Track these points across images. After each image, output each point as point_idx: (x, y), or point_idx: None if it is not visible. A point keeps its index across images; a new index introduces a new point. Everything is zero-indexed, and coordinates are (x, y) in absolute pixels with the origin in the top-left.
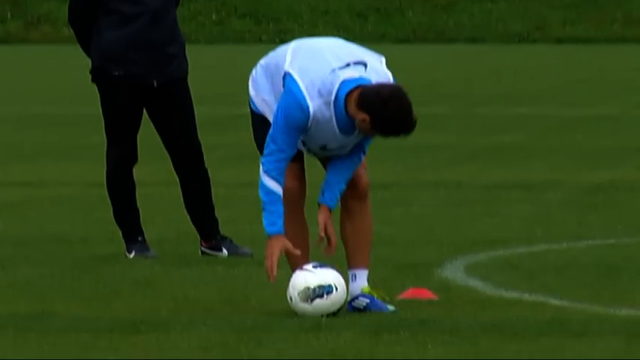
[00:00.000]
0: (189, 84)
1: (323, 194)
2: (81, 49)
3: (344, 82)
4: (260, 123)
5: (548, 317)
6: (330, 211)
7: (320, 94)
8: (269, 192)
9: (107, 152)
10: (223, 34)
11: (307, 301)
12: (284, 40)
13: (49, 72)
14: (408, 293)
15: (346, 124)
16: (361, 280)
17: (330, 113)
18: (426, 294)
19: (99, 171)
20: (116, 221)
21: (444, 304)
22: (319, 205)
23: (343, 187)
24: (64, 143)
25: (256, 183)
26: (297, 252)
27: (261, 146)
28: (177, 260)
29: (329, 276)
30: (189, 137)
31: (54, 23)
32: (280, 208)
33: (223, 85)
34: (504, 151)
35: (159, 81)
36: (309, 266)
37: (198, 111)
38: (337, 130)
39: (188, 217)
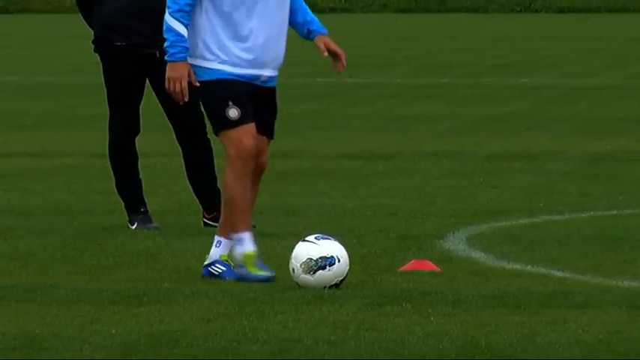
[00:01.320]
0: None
1: (310, 29)
2: (82, 19)
3: None
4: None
5: (551, 289)
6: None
7: None
8: (177, 34)
9: (109, 122)
10: None
11: (310, 272)
12: None
13: (51, 41)
14: (410, 265)
15: None
16: (224, 249)
17: None
18: (428, 266)
19: (101, 141)
20: (118, 192)
21: (446, 276)
22: (313, 37)
23: (309, 11)
24: (66, 113)
25: None
26: (195, 82)
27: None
28: (180, 231)
29: (331, 247)
30: (191, 108)
31: None
32: (187, 44)
33: None
34: (506, 121)
35: (161, 51)
36: (311, 237)
37: None
38: None
39: (190, 188)
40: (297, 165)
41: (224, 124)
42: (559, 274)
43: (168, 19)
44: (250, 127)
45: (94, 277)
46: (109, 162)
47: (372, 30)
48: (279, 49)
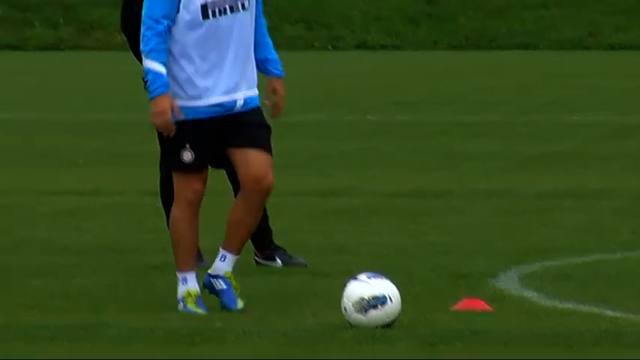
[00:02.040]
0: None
1: (267, 67)
2: (133, 57)
3: None
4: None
5: (603, 328)
6: (282, 80)
7: None
8: (155, 72)
9: (160, 160)
10: (275, 41)
11: (361, 312)
12: (336, 47)
13: (102, 78)
14: (463, 304)
15: None
16: (228, 265)
17: None
18: (481, 305)
19: (152, 179)
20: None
21: (498, 315)
22: (268, 76)
23: (272, 46)
24: (117, 150)
25: (310, 192)
26: (180, 114)
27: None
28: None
29: (383, 287)
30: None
31: (106, 29)
32: (166, 79)
33: None
34: (557, 159)
35: None
36: (363, 276)
37: None
38: None
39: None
40: (348, 203)
41: (176, 165)
42: (611, 313)
43: (144, 61)
44: (200, 175)
45: (146, 317)
46: (159, 200)
47: (422, 67)
48: (250, 68)
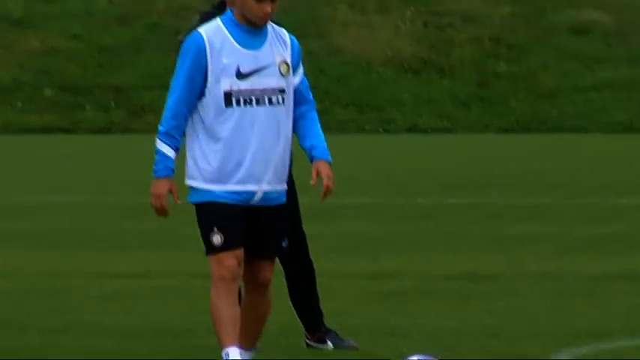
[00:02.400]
0: (293, 174)
1: (313, 154)
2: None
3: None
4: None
5: None
6: (329, 164)
7: (208, 23)
8: (163, 154)
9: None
10: (326, 123)
11: None
12: (387, 130)
13: (152, 161)
14: None
15: (241, 34)
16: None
17: (221, 30)
18: None
19: (202, 261)
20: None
21: None
22: (316, 161)
23: (322, 136)
24: (167, 233)
25: (360, 274)
26: (178, 201)
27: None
28: (282, 353)
29: None
30: (293, 228)
31: (157, 112)
32: (171, 164)
33: None
34: (606, 241)
35: None
36: (414, 358)
37: (303, 201)
38: (235, 43)
39: (293, 309)
40: (398, 285)
41: (208, 249)
42: None
43: (157, 141)
44: (232, 253)
45: None
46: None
47: (473, 150)
48: (273, 163)
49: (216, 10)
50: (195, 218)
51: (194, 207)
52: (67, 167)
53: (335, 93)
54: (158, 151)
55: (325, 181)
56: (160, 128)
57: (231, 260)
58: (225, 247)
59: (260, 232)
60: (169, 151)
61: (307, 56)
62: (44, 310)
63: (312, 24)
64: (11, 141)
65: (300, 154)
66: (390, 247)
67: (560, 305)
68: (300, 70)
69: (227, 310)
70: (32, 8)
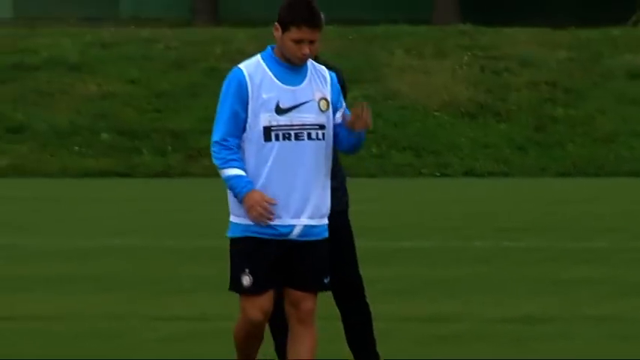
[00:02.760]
0: (349, 217)
1: (340, 130)
2: None
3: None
4: None
5: None
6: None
7: (248, 59)
8: (235, 176)
9: None
10: (383, 168)
11: None
12: (444, 174)
13: (209, 205)
14: None
15: (281, 70)
16: None
17: (261, 66)
18: None
19: None
20: (277, 354)
21: None
22: (343, 122)
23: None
24: (223, 277)
25: (416, 317)
26: (274, 201)
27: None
28: None
29: None
30: (349, 270)
31: None
32: (246, 178)
33: (384, 219)
34: None
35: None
36: None
37: (360, 244)
38: (275, 79)
39: (349, 351)
40: (455, 329)
41: (236, 289)
42: None
43: (221, 173)
44: (260, 300)
45: None
46: (267, 324)
47: (530, 194)
48: (313, 198)
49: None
50: (230, 253)
51: (230, 242)
52: (123, 211)
53: (392, 137)
54: (230, 177)
55: (363, 115)
56: (218, 162)
57: (256, 312)
58: (254, 289)
59: (300, 265)
60: (239, 171)
61: (364, 100)
62: (101, 353)
63: (368, 68)
64: (68, 184)
65: (354, 198)
66: (447, 290)
67: (617, 349)
68: (343, 103)
69: (249, 350)
70: (89, 53)
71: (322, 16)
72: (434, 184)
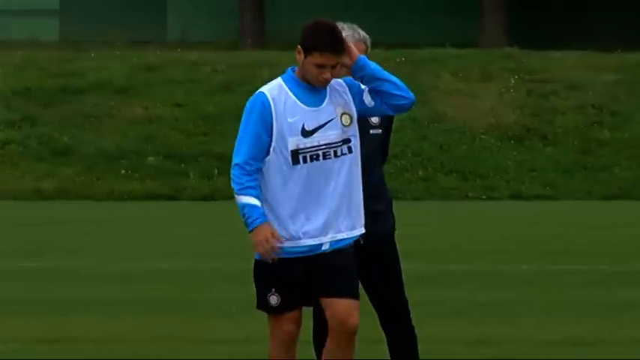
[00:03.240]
0: (396, 240)
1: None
2: None
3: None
4: None
5: None
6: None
7: (270, 83)
8: (250, 206)
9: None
10: (429, 191)
11: None
12: (490, 197)
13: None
14: None
15: (302, 92)
16: None
17: (283, 89)
18: None
19: (303, 326)
20: None
21: None
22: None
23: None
24: None
25: (462, 340)
26: (282, 239)
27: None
28: None
29: None
30: (395, 293)
31: None
32: (262, 209)
33: (430, 242)
34: None
35: (364, 237)
36: None
37: (406, 267)
38: (298, 101)
39: None
40: (501, 352)
41: (265, 309)
42: None
43: (237, 198)
44: (290, 315)
45: None
46: (312, 346)
47: (576, 217)
48: (345, 211)
49: None
50: (253, 275)
51: (254, 263)
52: (170, 234)
53: (438, 160)
54: (244, 206)
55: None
56: (236, 186)
57: (290, 325)
58: (282, 308)
59: (332, 272)
60: (255, 201)
61: (410, 123)
62: None
63: (415, 91)
64: (115, 208)
65: (400, 220)
66: (493, 313)
67: None
68: (365, 91)
69: None
70: (135, 76)
71: (344, 41)
72: (480, 208)
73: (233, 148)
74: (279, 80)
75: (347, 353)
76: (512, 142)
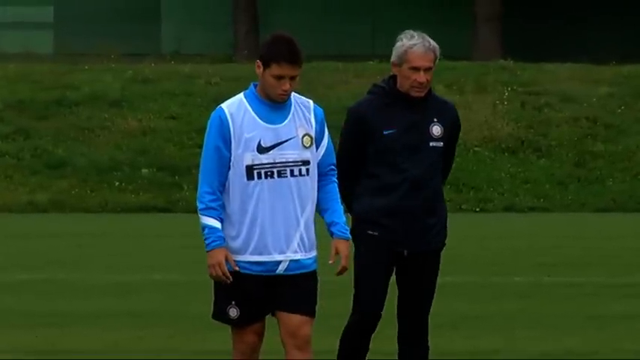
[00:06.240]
0: (441, 257)
1: (332, 230)
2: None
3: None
4: None
5: None
6: (347, 241)
7: (231, 98)
8: (210, 227)
9: (353, 308)
10: None
11: None
12: (484, 209)
13: None
14: None
15: (263, 108)
16: None
17: (243, 105)
18: None
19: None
20: None
21: None
22: (335, 239)
23: (341, 211)
24: None
25: (458, 352)
26: (235, 267)
27: None
28: None
29: None
30: (422, 311)
31: None
32: (221, 233)
33: None
34: None
35: (409, 250)
36: None
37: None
38: (257, 117)
39: None
40: None
41: (224, 320)
42: None
43: (200, 218)
44: (251, 328)
45: None
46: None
47: (570, 229)
48: (299, 232)
49: (385, 85)
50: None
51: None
52: (164, 246)
53: None
54: (205, 226)
55: (343, 262)
56: (199, 205)
57: (251, 336)
58: (242, 321)
59: (291, 290)
60: (215, 223)
61: None
62: None
63: None
64: (109, 220)
65: None
66: (487, 325)
67: None
68: (325, 139)
69: None
70: (130, 88)
71: (301, 52)
72: (474, 220)
73: None
74: (240, 96)
75: None
76: (506, 154)
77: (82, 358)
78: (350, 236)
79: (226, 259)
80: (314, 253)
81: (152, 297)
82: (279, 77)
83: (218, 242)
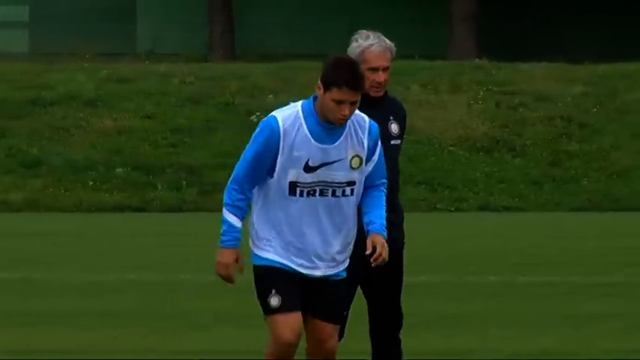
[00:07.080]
0: (404, 254)
1: (369, 228)
2: None
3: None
4: None
5: None
6: (382, 236)
7: (288, 108)
8: (230, 225)
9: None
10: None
11: None
12: (459, 209)
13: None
14: None
15: (318, 128)
16: None
17: (299, 121)
18: None
19: None
20: None
21: None
22: (372, 232)
23: (382, 215)
24: (242, 311)
25: (432, 351)
26: (243, 270)
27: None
28: None
29: None
30: (394, 308)
31: None
32: (238, 234)
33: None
34: None
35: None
36: None
37: None
38: (310, 136)
39: None
40: None
41: (266, 311)
42: None
43: (224, 211)
44: (290, 318)
45: None
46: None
47: (545, 228)
48: (334, 250)
49: None
50: (255, 281)
51: (254, 270)
52: (138, 246)
53: (407, 172)
54: (225, 221)
55: (379, 249)
56: (226, 199)
57: (287, 332)
58: (282, 309)
59: (322, 296)
60: (236, 222)
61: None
62: None
63: None
64: (83, 219)
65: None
66: (462, 324)
67: None
68: (375, 155)
69: None
70: (105, 88)
71: (364, 77)
72: (449, 219)
73: (201, 160)
74: (297, 107)
75: None
76: (481, 153)
77: (56, 357)
78: (386, 235)
79: (236, 261)
80: (344, 266)
81: (127, 296)
82: (340, 102)
83: (233, 242)
